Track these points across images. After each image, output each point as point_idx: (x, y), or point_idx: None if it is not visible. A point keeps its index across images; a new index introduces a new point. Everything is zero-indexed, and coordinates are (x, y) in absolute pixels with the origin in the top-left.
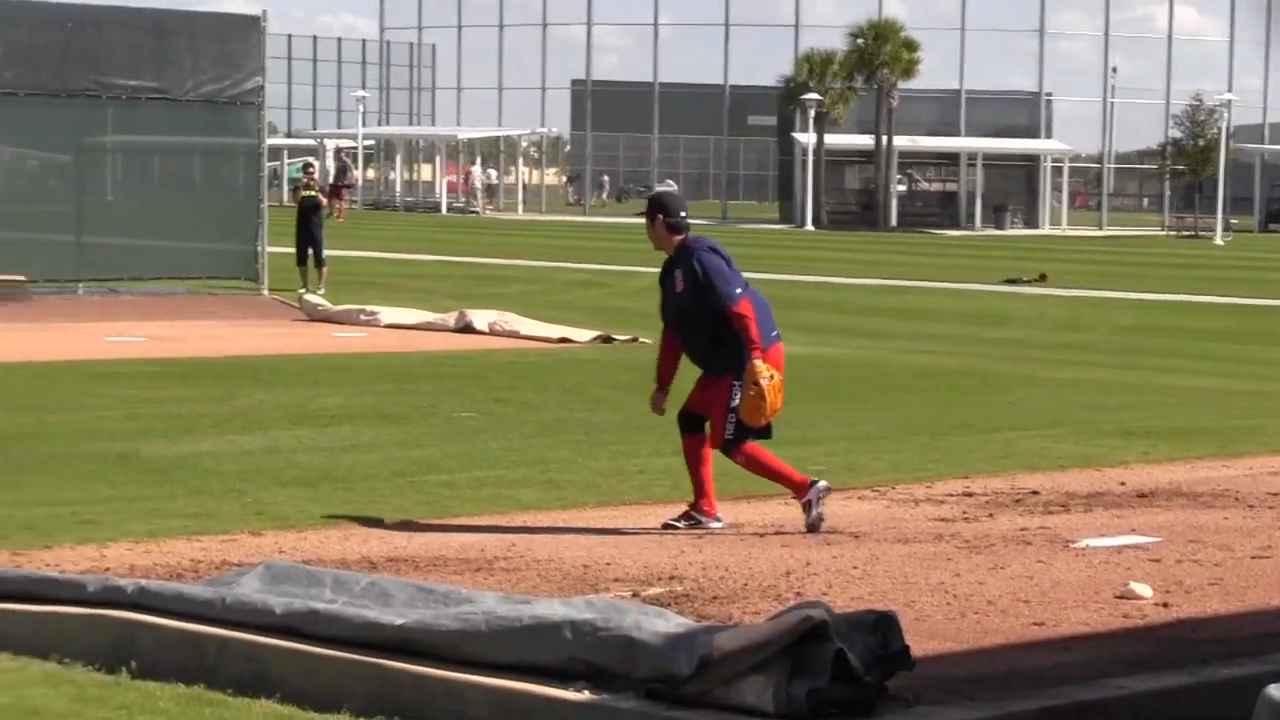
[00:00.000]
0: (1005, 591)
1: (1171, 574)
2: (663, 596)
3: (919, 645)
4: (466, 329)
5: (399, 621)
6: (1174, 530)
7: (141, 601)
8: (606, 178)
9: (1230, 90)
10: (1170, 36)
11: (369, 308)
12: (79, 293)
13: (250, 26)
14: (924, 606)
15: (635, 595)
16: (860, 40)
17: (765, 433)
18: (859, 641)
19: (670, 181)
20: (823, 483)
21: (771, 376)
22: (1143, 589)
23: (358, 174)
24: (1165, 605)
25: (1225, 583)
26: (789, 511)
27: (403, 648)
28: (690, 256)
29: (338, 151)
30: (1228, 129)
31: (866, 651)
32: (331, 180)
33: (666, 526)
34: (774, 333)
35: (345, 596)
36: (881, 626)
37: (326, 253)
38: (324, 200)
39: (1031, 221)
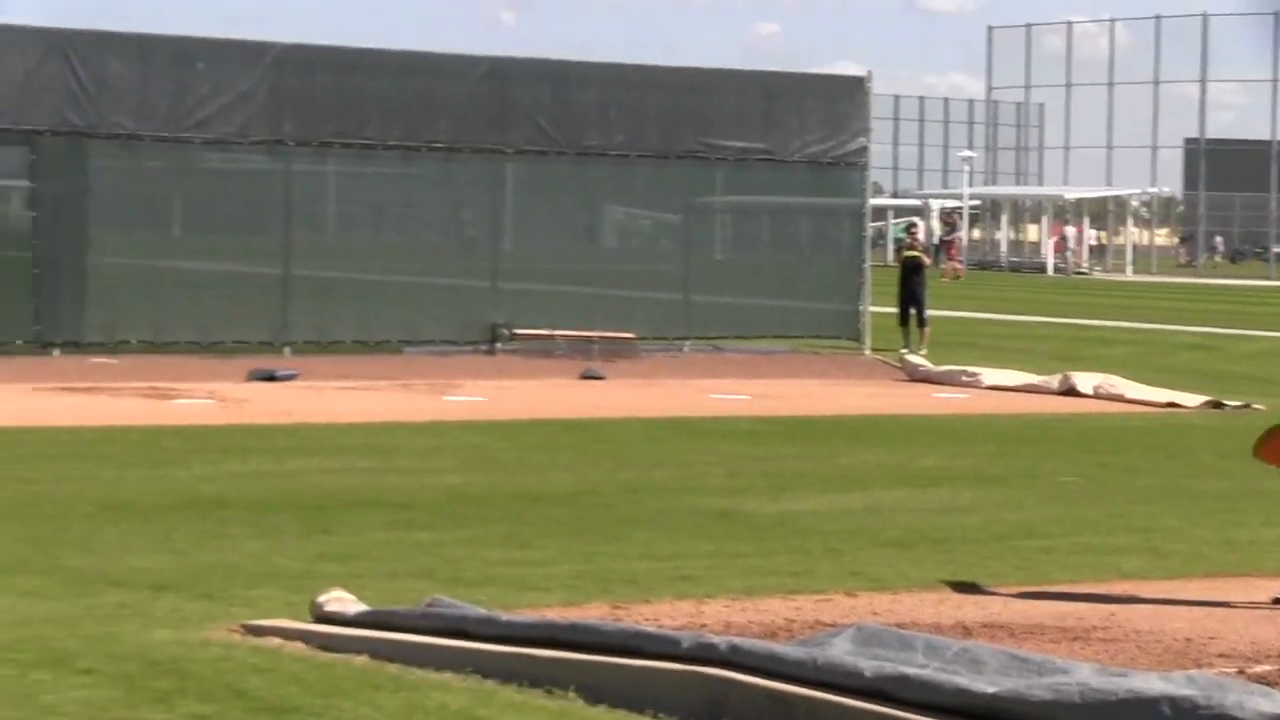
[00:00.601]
0: None
1: None
2: (1271, 675)
3: None
4: (1070, 391)
5: (990, 690)
6: None
7: (734, 659)
8: (1220, 239)
9: None
10: None
11: (970, 369)
12: (684, 350)
13: (856, 88)
14: None
15: (1241, 673)
16: None
17: None
18: None
19: None
20: None
21: None
22: None
23: (962, 234)
24: None
25: None
26: None
27: (994, 716)
28: None
29: (943, 211)
30: None
31: None
32: (937, 238)
33: (1277, 601)
34: None
35: (936, 662)
36: None
37: (929, 313)
38: (927, 260)
39: None
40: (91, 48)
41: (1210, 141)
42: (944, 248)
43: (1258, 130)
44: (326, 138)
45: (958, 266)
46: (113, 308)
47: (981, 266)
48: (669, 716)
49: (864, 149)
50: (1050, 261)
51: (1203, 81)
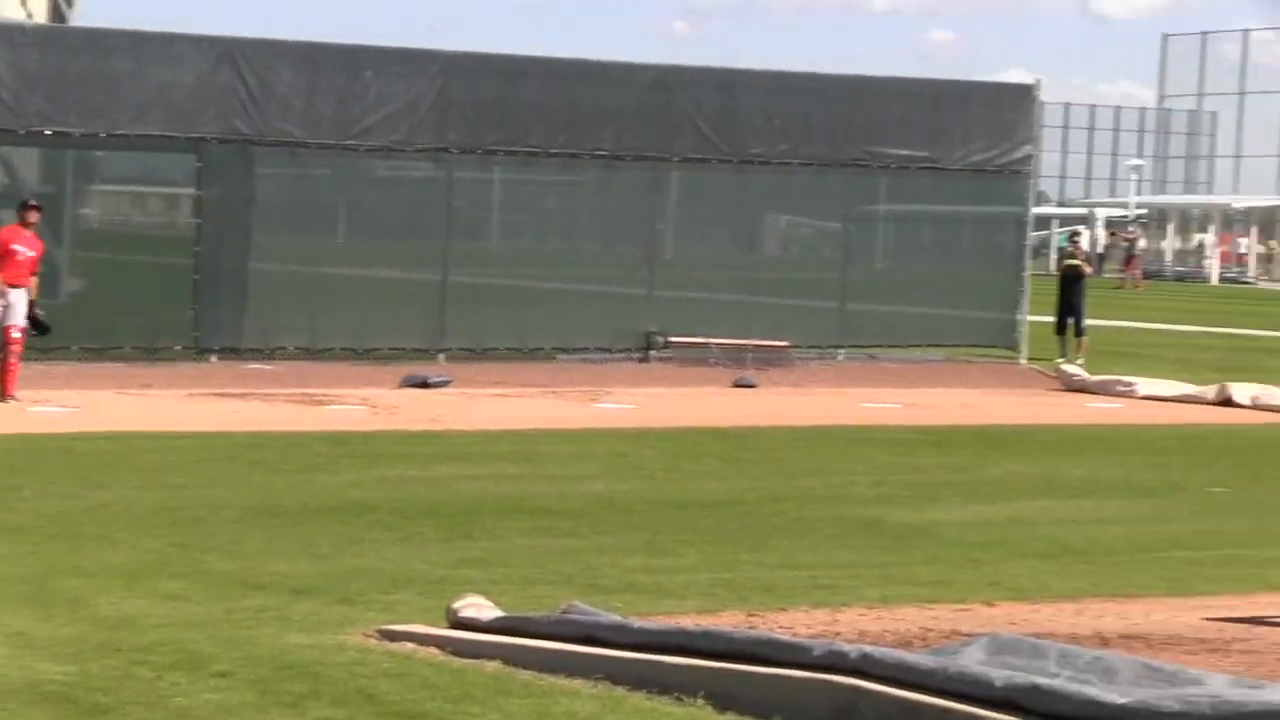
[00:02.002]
0: None
1: None
2: None
3: None
4: (1226, 402)
5: (1120, 700)
6: None
7: (864, 668)
8: None
9: None
10: None
11: (1126, 379)
12: (839, 359)
13: (1023, 96)
14: None
15: None
16: None
17: None
18: None
19: None
20: None
21: None
22: None
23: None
24: None
25: None
26: None
27: None
28: None
29: (1120, 220)
30: None
31: None
32: (1102, 246)
33: None
34: None
35: (1069, 671)
36: None
37: (1087, 322)
38: (1089, 269)
39: None
40: (260, 56)
41: None
42: (1128, 261)
43: None
44: (490, 145)
45: (1138, 277)
46: (271, 314)
47: (1147, 276)
48: None
49: (1029, 157)
50: (1216, 271)
51: None
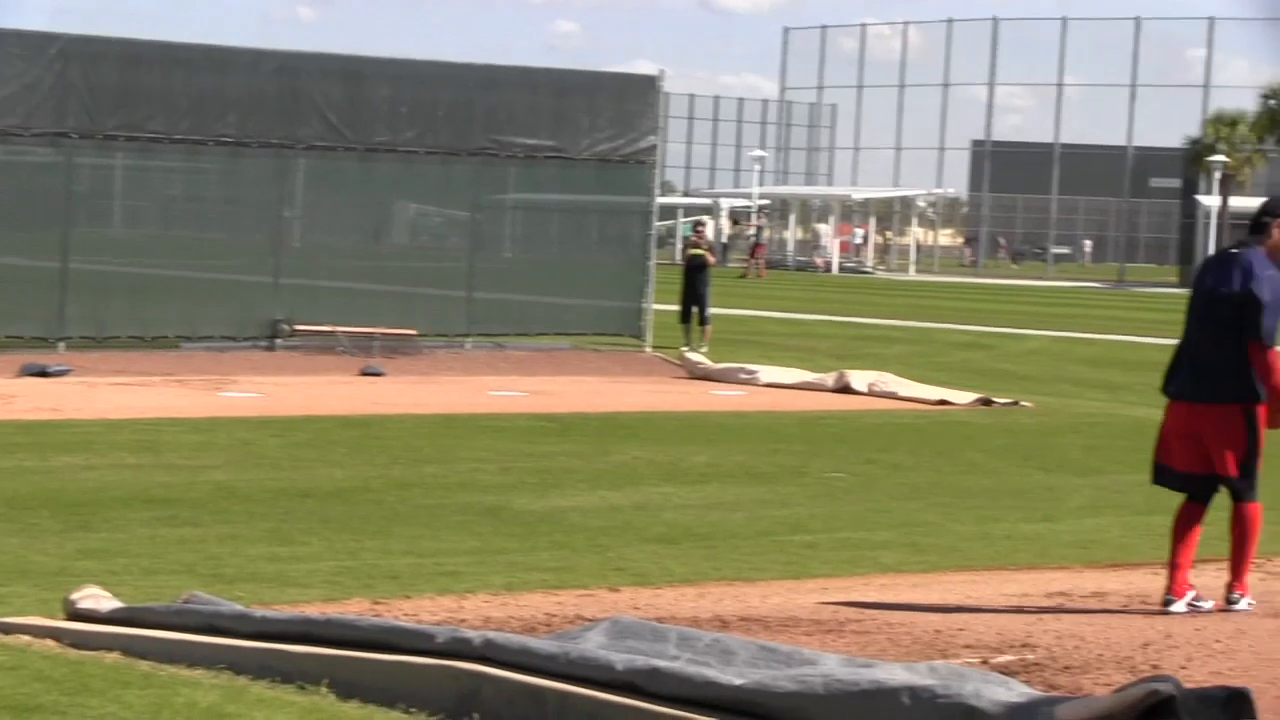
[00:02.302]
0: None
1: None
2: (1012, 665)
3: None
4: (845, 389)
5: (737, 682)
6: None
7: (488, 654)
8: (1003, 239)
9: None
10: None
11: (749, 366)
12: (466, 347)
13: (647, 87)
14: None
15: (984, 663)
16: (1273, 101)
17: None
18: (1208, 719)
19: None
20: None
21: None
22: None
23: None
24: None
25: None
26: (1158, 581)
27: (740, 708)
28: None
29: (744, 211)
30: None
31: None
32: (726, 236)
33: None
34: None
35: (689, 654)
36: (1234, 704)
37: (711, 311)
38: (712, 259)
39: None
40: None
41: (996, 144)
42: (753, 249)
43: (1042, 134)
44: (111, 131)
45: (762, 266)
46: None
47: (769, 265)
48: (421, 711)
49: (654, 147)
50: (836, 261)
51: (990, 85)
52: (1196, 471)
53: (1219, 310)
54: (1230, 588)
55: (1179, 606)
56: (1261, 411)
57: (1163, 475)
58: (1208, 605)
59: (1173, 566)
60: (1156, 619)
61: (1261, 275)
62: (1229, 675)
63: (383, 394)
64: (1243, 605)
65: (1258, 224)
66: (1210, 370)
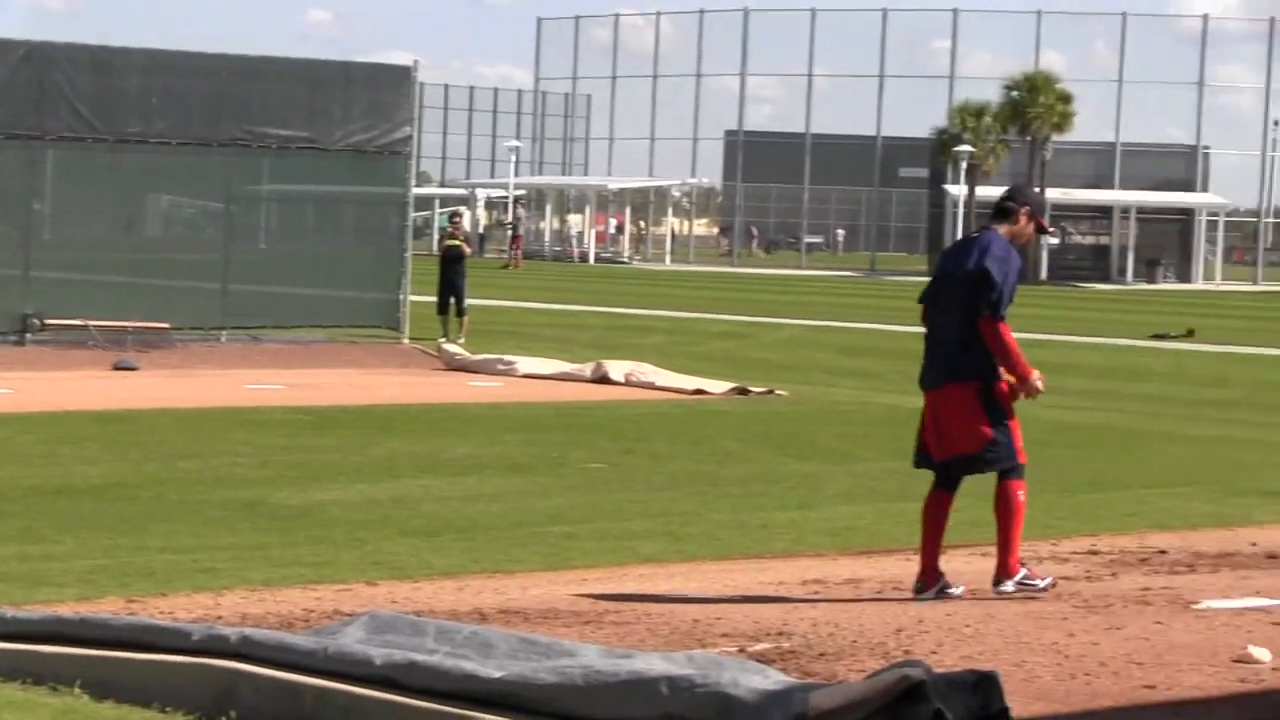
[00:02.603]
0: (1119, 653)
1: None
2: (769, 652)
3: (1025, 707)
4: (603, 379)
5: (497, 674)
6: None
7: (244, 650)
8: (755, 229)
9: None
10: None
11: (507, 357)
12: (221, 340)
13: (402, 77)
14: (1034, 667)
15: (741, 651)
16: (1015, 92)
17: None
18: (958, 701)
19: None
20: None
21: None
22: (1261, 653)
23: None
24: None
25: None
26: (910, 567)
27: (500, 701)
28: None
29: (498, 201)
30: None
31: (966, 712)
32: (483, 228)
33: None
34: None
35: (447, 647)
36: (983, 687)
37: (469, 302)
38: (469, 250)
39: (1184, 276)
40: None
41: (748, 134)
42: (513, 240)
43: (793, 124)
44: None
45: (519, 257)
46: None
47: (526, 256)
48: (178, 710)
49: (409, 138)
50: (592, 251)
51: (742, 75)
52: (948, 455)
53: (954, 291)
54: (997, 570)
55: (930, 595)
56: (1002, 387)
57: (922, 460)
58: (957, 591)
59: (923, 553)
60: (909, 605)
61: (996, 253)
62: (978, 659)
63: (137, 388)
64: (1009, 587)
65: (1002, 209)
66: (948, 353)
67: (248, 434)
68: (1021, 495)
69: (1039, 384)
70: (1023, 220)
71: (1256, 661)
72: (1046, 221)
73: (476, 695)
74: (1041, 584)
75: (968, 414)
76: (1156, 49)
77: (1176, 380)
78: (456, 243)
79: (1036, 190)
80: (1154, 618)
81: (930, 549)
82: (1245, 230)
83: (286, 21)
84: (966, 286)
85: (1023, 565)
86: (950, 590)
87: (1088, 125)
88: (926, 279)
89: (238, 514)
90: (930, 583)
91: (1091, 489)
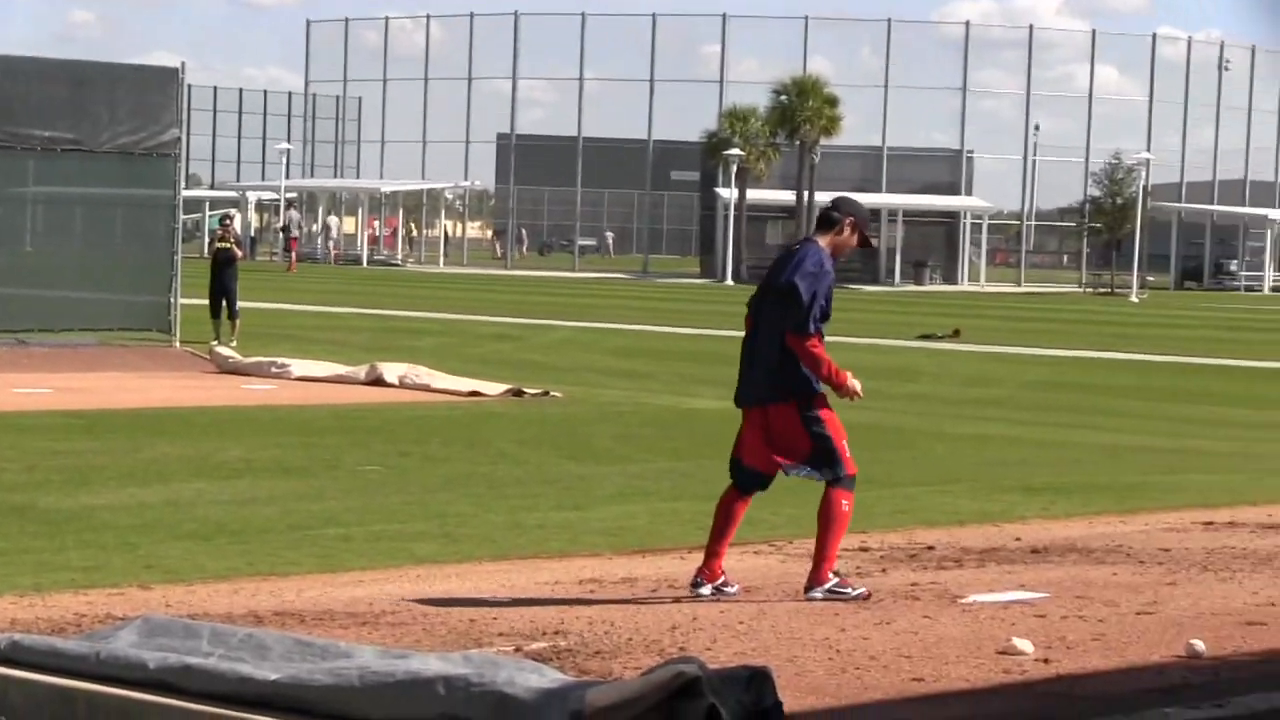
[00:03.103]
0: (889, 647)
1: (1055, 630)
2: (545, 651)
3: (798, 701)
4: (377, 382)
5: (273, 677)
6: (1063, 586)
7: (14, 656)
8: (524, 231)
9: (1149, 149)
10: (1090, 95)
11: (280, 360)
12: None
13: (169, 79)
14: (806, 662)
15: (518, 650)
16: (783, 97)
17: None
18: (732, 697)
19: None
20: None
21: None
22: (1025, 645)
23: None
24: (1046, 661)
25: (1107, 638)
26: (684, 565)
27: (276, 703)
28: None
29: (272, 204)
30: (1145, 187)
31: (739, 707)
32: (254, 230)
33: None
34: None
35: (222, 649)
36: (756, 682)
37: (240, 305)
38: (239, 252)
39: (951, 277)
40: None
41: (520, 137)
42: (288, 243)
43: (566, 127)
44: None
45: (294, 259)
46: None
47: (299, 259)
48: None
49: (177, 140)
50: (365, 253)
51: (514, 78)
52: (760, 468)
53: (768, 305)
54: (812, 576)
55: (706, 590)
56: (818, 403)
57: (735, 469)
58: (733, 590)
59: (709, 552)
60: (684, 603)
61: (808, 269)
62: (751, 655)
63: None
64: (818, 594)
65: (827, 218)
66: (767, 368)
67: (14, 438)
68: (845, 505)
69: (856, 385)
70: (847, 231)
71: (1020, 653)
72: (869, 234)
73: (252, 698)
74: (853, 593)
75: (789, 429)
76: (921, 55)
77: (943, 380)
78: (227, 245)
79: (859, 201)
80: (923, 612)
81: (716, 546)
82: (1008, 232)
83: (47, 21)
84: (778, 301)
85: (835, 574)
86: (727, 589)
87: (855, 129)
88: (699, 281)
89: (5, 519)
90: (710, 578)
91: (862, 487)
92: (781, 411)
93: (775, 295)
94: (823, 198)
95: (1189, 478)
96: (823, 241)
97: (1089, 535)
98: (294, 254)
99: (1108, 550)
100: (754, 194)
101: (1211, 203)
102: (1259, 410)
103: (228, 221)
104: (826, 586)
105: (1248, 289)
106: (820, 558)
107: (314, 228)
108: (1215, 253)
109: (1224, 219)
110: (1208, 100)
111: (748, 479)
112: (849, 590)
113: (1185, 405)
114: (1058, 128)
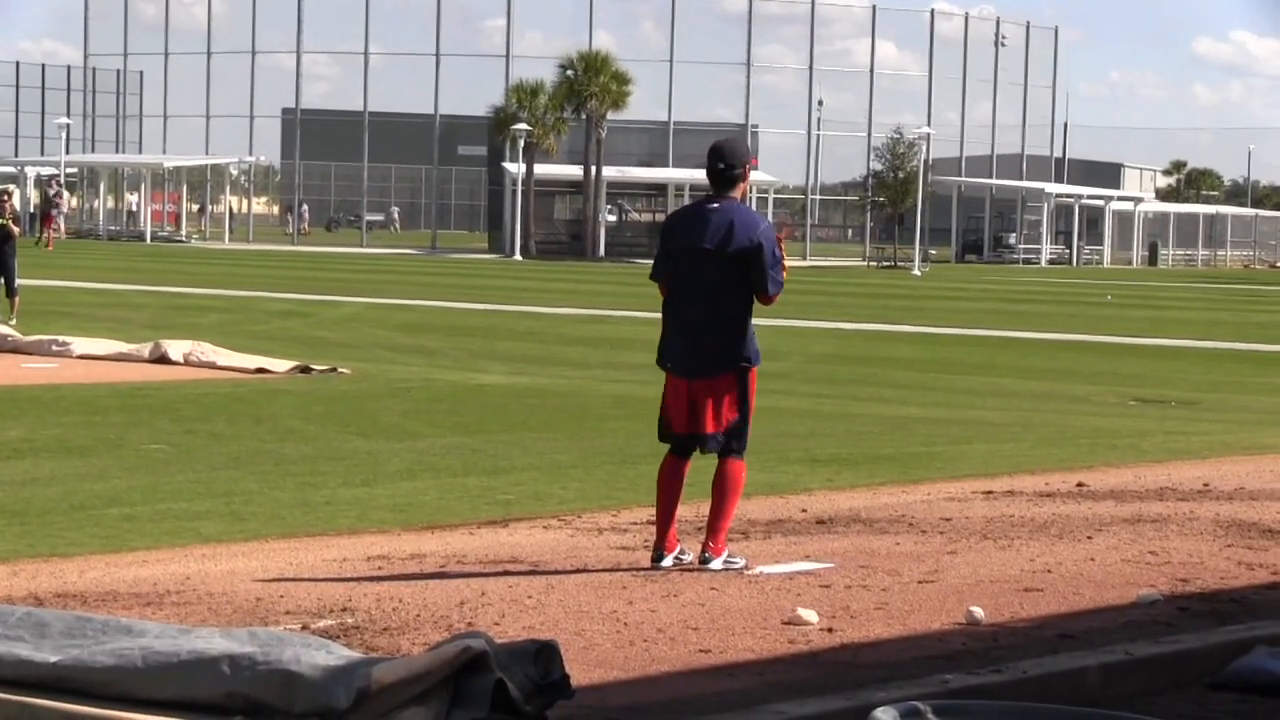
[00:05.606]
0: (676, 619)
1: (839, 599)
2: (333, 629)
3: (585, 674)
4: (161, 359)
5: (53, 659)
6: (847, 556)
7: None
8: (305, 207)
9: (929, 124)
10: (871, 71)
11: (61, 338)
12: None
13: None
14: (594, 635)
15: (305, 628)
16: (570, 72)
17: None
18: (519, 671)
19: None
20: (668, 560)
21: None
22: (809, 615)
23: (64, 202)
24: (830, 630)
25: (890, 607)
26: (473, 540)
27: (57, 686)
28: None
29: (47, 179)
30: (926, 162)
31: (527, 681)
32: (37, 209)
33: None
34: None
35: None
36: (543, 656)
37: (20, 282)
38: (18, 229)
39: None
40: None
41: (306, 112)
42: (44, 219)
43: (351, 102)
44: None
45: (51, 236)
46: None
47: (80, 235)
48: None
49: None
50: (149, 229)
51: (298, 53)
52: (696, 431)
53: (713, 269)
54: (706, 546)
55: (668, 561)
56: (753, 374)
57: (666, 435)
58: (688, 558)
59: (661, 524)
60: (472, 579)
61: (763, 227)
62: (539, 629)
63: None
64: (717, 564)
65: (726, 177)
66: (706, 336)
67: None
68: (743, 476)
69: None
70: (748, 179)
71: (805, 623)
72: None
73: (32, 681)
74: (740, 563)
75: (727, 399)
76: (705, 30)
77: None
78: (4, 222)
79: (735, 139)
80: (709, 584)
81: (666, 516)
82: (794, 207)
83: None
84: (733, 263)
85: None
86: (683, 557)
87: (641, 104)
88: (487, 256)
89: None
90: (668, 549)
91: (650, 460)
92: (725, 380)
93: (731, 258)
94: (610, 173)
95: (971, 448)
96: (738, 196)
97: (873, 505)
98: (52, 231)
99: (891, 520)
100: (542, 169)
101: (990, 177)
102: (1038, 381)
103: (6, 198)
104: (723, 556)
105: (1026, 261)
106: (717, 527)
107: (95, 204)
108: (995, 226)
109: (1003, 193)
110: (985, 76)
111: (684, 444)
112: (738, 561)
113: (968, 376)
114: (840, 103)
